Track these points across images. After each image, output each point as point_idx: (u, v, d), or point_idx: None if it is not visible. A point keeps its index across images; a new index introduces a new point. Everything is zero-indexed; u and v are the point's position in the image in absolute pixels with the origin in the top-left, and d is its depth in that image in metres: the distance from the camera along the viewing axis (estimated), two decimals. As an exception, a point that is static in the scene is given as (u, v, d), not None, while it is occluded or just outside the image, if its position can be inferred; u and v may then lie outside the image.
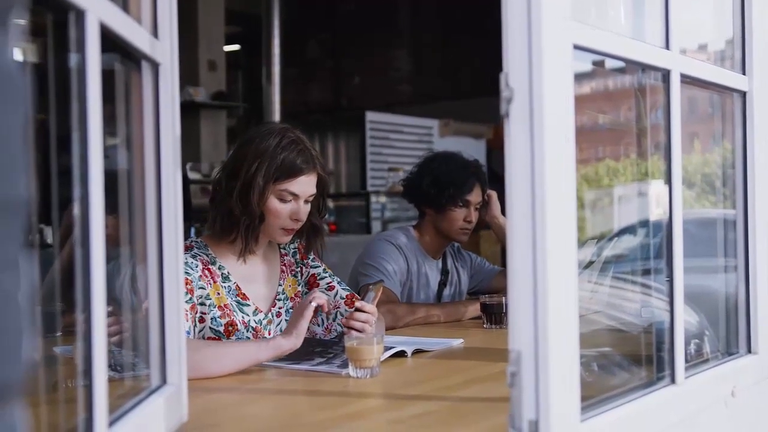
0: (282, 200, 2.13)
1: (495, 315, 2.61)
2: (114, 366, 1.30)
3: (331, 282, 2.34)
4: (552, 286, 1.14)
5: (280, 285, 2.29)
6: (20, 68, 0.58)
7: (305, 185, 2.15)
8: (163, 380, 1.35)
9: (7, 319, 0.54)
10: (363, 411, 1.59)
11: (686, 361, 1.52)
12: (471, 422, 1.46)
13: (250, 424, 1.54)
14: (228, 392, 1.77)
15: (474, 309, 2.79)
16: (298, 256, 2.36)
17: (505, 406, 1.19)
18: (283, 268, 2.32)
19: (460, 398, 1.66)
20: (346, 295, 2.31)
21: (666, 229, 1.51)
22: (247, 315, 2.17)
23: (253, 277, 2.23)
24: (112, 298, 1.13)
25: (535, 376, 1.14)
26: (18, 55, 0.58)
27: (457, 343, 2.31)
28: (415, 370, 2.00)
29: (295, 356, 2.02)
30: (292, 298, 2.31)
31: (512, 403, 1.16)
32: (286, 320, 2.25)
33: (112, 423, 1.08)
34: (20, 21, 0.60)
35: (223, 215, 2.14)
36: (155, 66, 1.32)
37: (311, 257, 2.37)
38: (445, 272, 3.10)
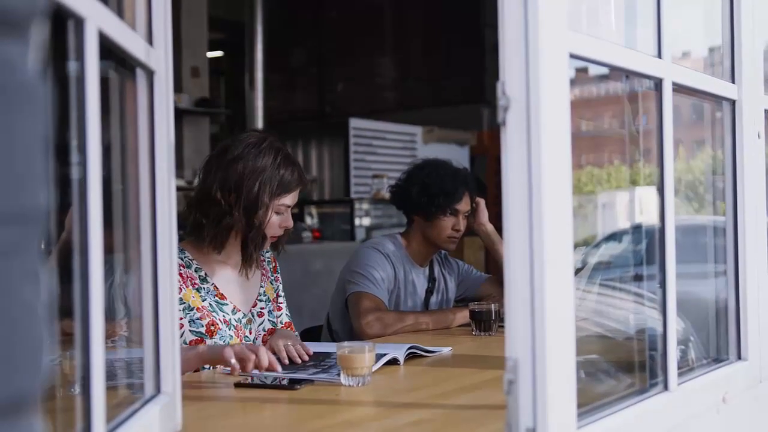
0: (277, 213, 2.24)
1: (484, 322, 2.61)
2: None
3: (282, 303, 2.46)
4: (549, 293, 1.14)
5: (261, 287, 2.37)
6: (40, 79, 0.58)
7: (296, 196, 2.29)
8: (158, 389, 1.34)
9: (28, 330, 0.54)
10: (357, 419, 1.59)
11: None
12: (466, 430, 1.46)
13: (244, 433, 1.54)
14: (221, 401, 1.77)
15: (462, 316, 2.79)
16: (271, 267, 2.45)
17: (498, 413, 1.20)
18: (264, 272, 2.41)
19: (454, 406, 1.66)
20: (286, 322, 2.43)
21: (658, 236, 1.52)
22: (227, 314, 2.23)
23: (233, 278, 2.30)
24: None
25: (533, 383, 1.14)
26: (38, 64, 0.58)
27: (447, 350, 2.31)
28: (407, 378, 1.99)
29: (291, 366, 2.02)
30: (273, 300, 2.40)
31: (509, 411, 1.16)
32: (269, 320, 2.35)
33: (108, 433, 1.07)
34: (40, 32, 0.59)
35: (224, 230, 2.20)
36: (150, 73, 1.31)
37: (278, 272, 2.48)
38: (432, 280, 3.10)
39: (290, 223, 2.28)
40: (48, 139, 0.59)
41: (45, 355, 0.56)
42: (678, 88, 1.56)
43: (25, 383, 0.54)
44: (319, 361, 2.09)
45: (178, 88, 7.18)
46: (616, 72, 1.57)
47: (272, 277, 2.44)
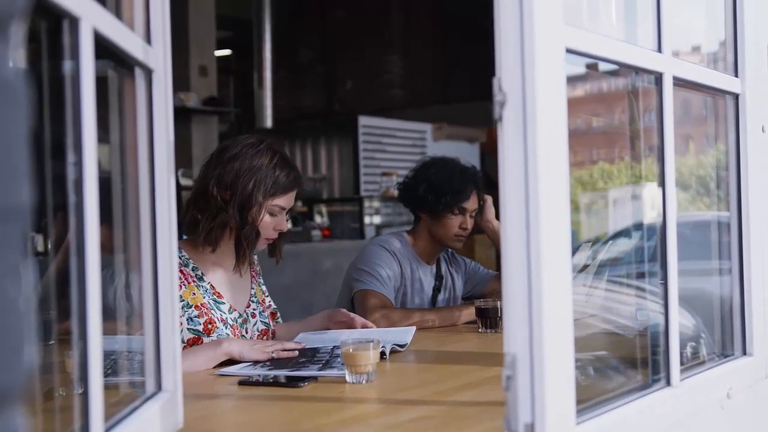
0: (271, 214, 2.27)
1: (490, 319, 2.60)
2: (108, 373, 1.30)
3: (271, 307, 2.48)
4: (546, 288, 1.14)
5: (252, 288, 2.42)
6: (21, 76, 0.58)
7: (292, 199, 2.31)
8: (159, 387, 1.34)
9: (9, 325, 0.54)
10: (360, 416, 1.59)
11: (682, 363, 1.52)
12: (467, 426, 1.46)
13: (246, 430, 1.54)
14: (223, 399, 1.77)
15: (468, 313, 2.78)
16: (258, 269, 2.49)
17: (500, 409, 1.19)
18: (254, 274, 2.46)
19: (456, 402, 1.66)
20: (262, 330, 2.40)
21: (660, 231, 1.51)
22: (224, 312, 2.27)
23: (227, 279, 2.33)
24: (106, 306, 1.13)
25: (531, 379, 1.14)
26: (19, 62, 0.59)
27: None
28: (411, 375, 1.99)
29: (288, 365, 2.00)
30: (261, 302, 2.44)
31: (508, 407, 1.16)
32: (261, 321, 2.39)
33: (107, 430, 1.07)
34: (21, 29, 0.60)
35: (218, 226, 2.23)
36: (148, 72, 1.32)
37: (260, 276, 2.51)
38: (439, 277, 3.10)
39: (284, 227, 2.30)
40: (30, 137, 0.59)
41: (27, 350, 0.57)
42: (680, 83, 1.55)
43: (7, 378, 0.54)
44: (311, 357, 2.08)
45: (185, 86, 7.19)
46: (625, 68, 1.56)
47: (259, 280, 2.49)
